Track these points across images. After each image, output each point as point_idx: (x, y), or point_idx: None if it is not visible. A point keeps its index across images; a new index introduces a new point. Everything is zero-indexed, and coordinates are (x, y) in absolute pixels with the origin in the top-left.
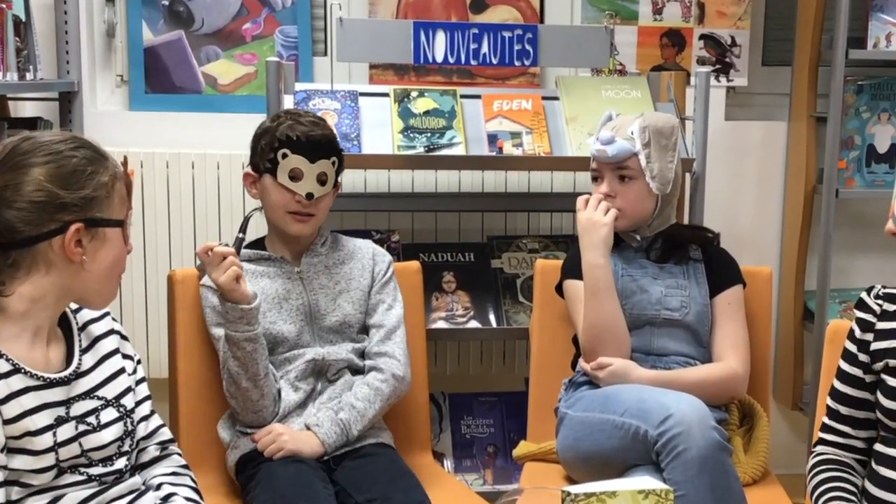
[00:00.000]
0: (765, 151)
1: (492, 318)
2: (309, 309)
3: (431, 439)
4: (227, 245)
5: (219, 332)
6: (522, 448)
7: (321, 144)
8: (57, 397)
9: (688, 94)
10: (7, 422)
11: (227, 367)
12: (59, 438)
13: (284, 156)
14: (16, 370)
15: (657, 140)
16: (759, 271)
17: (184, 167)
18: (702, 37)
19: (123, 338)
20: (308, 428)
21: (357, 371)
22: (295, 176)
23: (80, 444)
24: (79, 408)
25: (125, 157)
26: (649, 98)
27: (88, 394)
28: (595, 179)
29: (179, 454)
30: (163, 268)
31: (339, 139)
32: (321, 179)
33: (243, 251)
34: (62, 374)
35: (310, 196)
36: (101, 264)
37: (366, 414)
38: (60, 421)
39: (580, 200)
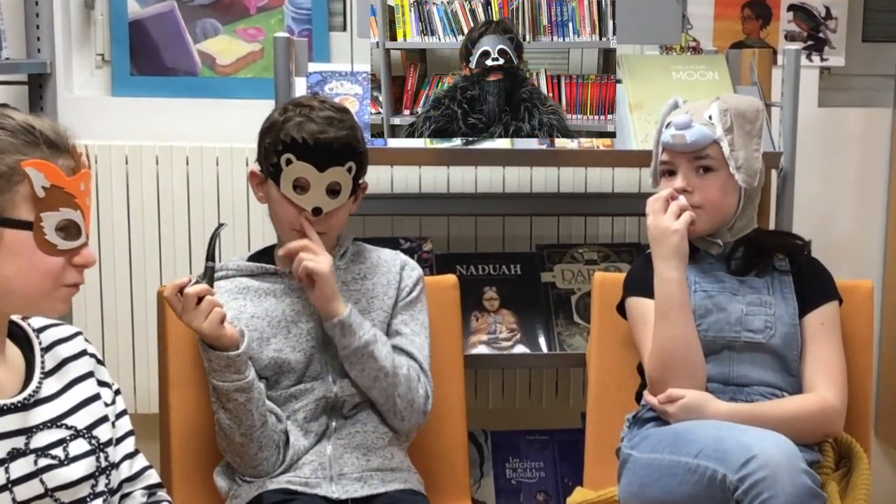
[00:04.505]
0: (865, 143)
1: (542, 342)
2: (321, 334)
3: (471, 485)
4: (197, 280)
5: None
6: (578, 496)
7: (332, 149)
8: (11, 426)
9: (774, 75)
10: None
11: (217, 418)
12: (14, 475)
13: (289, 162)
14: None
15: (740, 125)
16: (858, 286)
17: (176, 163)
18: (791, 7)
19: (99, 362)
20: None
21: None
22: (300, 186)
23: (43, 482)
24: (41, 439)
25: (76, 147)
26: (728, 80)
27: (54, 422)
28: (666, 174)
29: (169, 501)
30: (152, 282)
31: (361, 132)
32: (332, 189)
33: (245, 264)
34: (15, 399)
35: (317, 211)
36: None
37: (381, 362)
38: (15, 455)
39: (650, 203)
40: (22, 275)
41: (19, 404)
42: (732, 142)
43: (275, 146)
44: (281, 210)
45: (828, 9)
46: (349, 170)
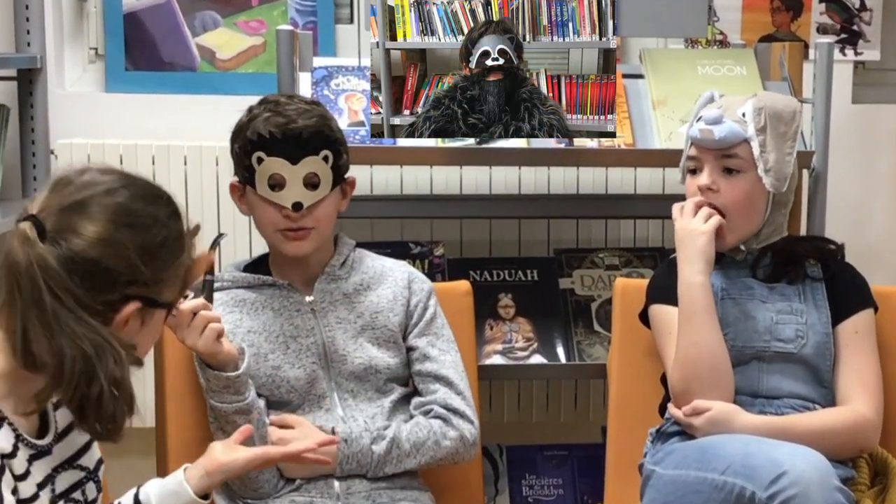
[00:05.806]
0: None
1: (560, 351)
2: (324, 350)
3: (485, 503)
4: (193, 294)
5: None
6: None
7: (302, 139)
8: (48, 469)
9: (805, 70)
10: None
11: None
12: None
13: (260, 160)
14: (20, 439)
15: (774, 126)
16: (895, 292)
17: (174, 163)
18: None
19: None
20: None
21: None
22: (276, 184)
23: None
24: (64, 481)
25: (196, 225)
26: (757, 75)
27: (70, 463)
28: (692, 172)
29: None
30: None
31: (335, 121)
32: (311, 182)
33: (240, 275)
34: (50, 440)
35: (298, 206)
36: (138, 347)
37: (405, 461)
38: (54, 501)
39: (675, 208)
40: (148, 348)
41: (51, 445)
42: (764, 143)
43: (245, 147)
44: (262, 213)
45: (862, 0)
46: (325, 159)
